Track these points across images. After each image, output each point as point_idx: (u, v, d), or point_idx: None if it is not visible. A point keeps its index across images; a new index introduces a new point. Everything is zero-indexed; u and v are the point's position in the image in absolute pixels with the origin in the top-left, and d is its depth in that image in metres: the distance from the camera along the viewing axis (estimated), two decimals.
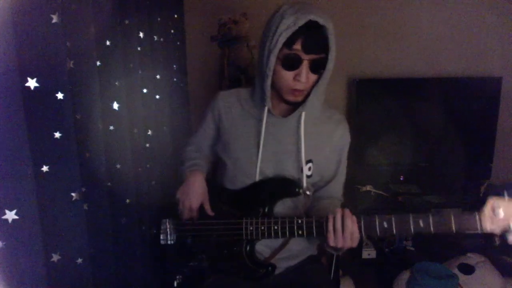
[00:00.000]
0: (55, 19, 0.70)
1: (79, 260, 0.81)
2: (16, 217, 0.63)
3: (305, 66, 1.03)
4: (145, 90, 1.33)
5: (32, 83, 0.67)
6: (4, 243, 0.63)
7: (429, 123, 2.33)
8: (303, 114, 1.13)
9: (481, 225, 0.90)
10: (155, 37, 1.44)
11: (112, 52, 1.01)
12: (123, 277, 1.10)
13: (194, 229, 1.18)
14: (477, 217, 0.91)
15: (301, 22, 0.99)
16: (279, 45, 1.01)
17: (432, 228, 0.93)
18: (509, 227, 0.89)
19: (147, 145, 1.34)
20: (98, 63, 0.95)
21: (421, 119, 2.33)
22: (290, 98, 1.10)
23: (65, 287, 0.79)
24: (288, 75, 1.05)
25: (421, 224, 0.94)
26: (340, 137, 1.21)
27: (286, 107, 1.16)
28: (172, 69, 1.81)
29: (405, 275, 1.87)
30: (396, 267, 2.00)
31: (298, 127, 1.14)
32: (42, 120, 0.71)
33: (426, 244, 2.28)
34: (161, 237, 1.23)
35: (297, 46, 1.01)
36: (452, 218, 0.92)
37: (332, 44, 1.03)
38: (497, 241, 0.92)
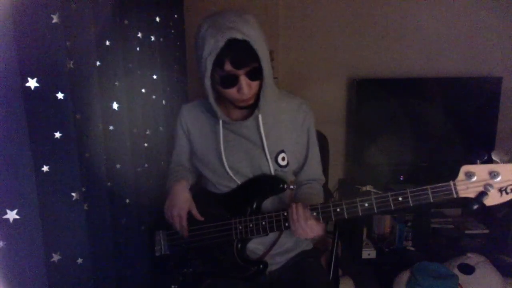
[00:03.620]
0: (55, 19, 0.70)
1: (79, 260, 0.81)
2: (17, 216, 0.63)
3: (243, 79, 1.04)
4: (144, 90, 1.33)
5: (32, 83, 0.67)
6: (4, 242, 0.63)
7: (429, 123, 2.34)
8: (260, 116, 1.15)
9: (456, 191, 0.95)
10: (155, 37, 1.44)
11: (112, 52, 1.01)
12: (123, 277, 1.10)
13: (186, 236, 1.19)
14: (451, 184, 0.95)
15: (221, 43, 0.98)
16: (209, 69, 1.02)
17: (411, 202, 0.97)
18: (483, 190, 0.93)
19: (146, 144, 1.34)
20: (98, 63, 0.95)
21: (421, 119, 2.33)
22: (241, 104, 1.12)
23: (65, 287, 0.79)
24: (230, 91, 1.06)
25: (400, 199, 0.98)
26: (303, 119, 1.23)
27: (242, 111, 1.18)
28: (172, 69, 1.81)
29: (405, 275, 1.87)
30: (396, 267, 2.00)
31: (259, 127, 1.16)
32: (42, 120, 0.71)
33: (426, 244, 2.28)
34: (156, 249, 1.24)
35: (227, 66, 1.01)
36: (429, 190, 0.96)
37: (260, 52, 1.02)
38: (474, 206, 0.96)
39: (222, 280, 1.19)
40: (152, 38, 1.43)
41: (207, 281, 1.20)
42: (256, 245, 1.21)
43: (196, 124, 1.25)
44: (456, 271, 1.85)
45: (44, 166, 0.72)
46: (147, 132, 1.36)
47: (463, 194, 0.95)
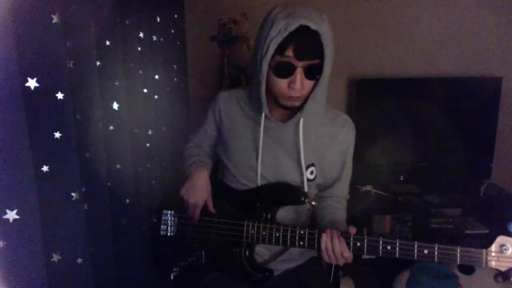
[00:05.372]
0: (55, 19, 0.70)
1: (79, 260, 0.81)
2: (17, 216, 0.63)
3: (299, 73, 0.98)
4: (145, 90, 1.33)
5: (32, 83, 0.67)
6: (4, 242, 0.63)
7: (429, 123, 2.34)
8: (301, 120, 1.09)
9: (486, 261, 0.91)
10: (155, 37, 1.44)
11: (112, 52, 1.01)
12: (123, 277, 1.10)
13: (195, 224, 1.18)
14: (484, 253, 0.91)
15: (292, 27, 0.93)
16: (270, 51, 0.97)
17: (436, 258, 0.93)
18: None
19: (148, 144, 1.34)
20: (98, 63, 0.95)
21: (421, 119, 2.33)
22: (287, 103, 1.06)
23: (65, 287, 0.79)
24: (281, 83, 1.01)
25: (425, 252, 0.94)
26: (344, 139, 1.18)
27: (284, 112, 1.12)
28: (172, 69, 1.80)
29: (405, 275, 1.87)
30: (396, 267, 2.00)
31: (297, 133, 1.11)
32: (42, 120, 0.71)
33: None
34: (161, 228, 1.22)
35: (289, 52, 0.96)
36: (458, 252, 0.91)
37: (327, 49, 0.97)
38: (500, 280, 0.92)
39: (226, 277, 1.18)
40: (154, 38, 1.43)
41: (210, 275, 1.19)
42: (263, 250, 1.19)
43: (231, 115, 1.20)
44: (456, 271, 1.85)
45: (44, 166, 0.72)
46: (149, 132, 1.36)
47: (492, 265, 0.90)
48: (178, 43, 1.99)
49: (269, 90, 1.06)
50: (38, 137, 0.70)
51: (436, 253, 0.93)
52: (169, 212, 1.23)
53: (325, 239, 1.00)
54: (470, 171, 2.35)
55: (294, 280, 1.19)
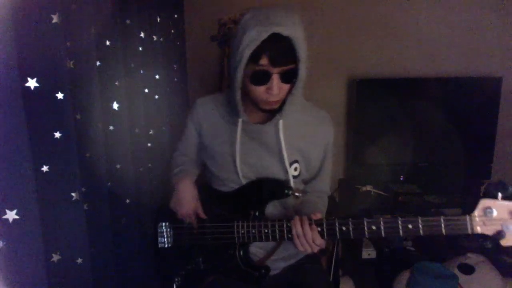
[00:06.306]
0: (55, 19, 0.70)
1: (79, 260, 0.81)
2: (16, 217, 0.63)
3: (275, 79, 0.99)
4: (145, 90, 1.34)
5: (32, 83, 0.67)
6: (4, 243, 0.63)
7: (429, 123, 2.33)
8: (281, 122, 1.11)
9: (472, 228, 0.89)
10: (155, 37, 1.44)
11: (112, 52, 1.01)
12: (123, 277, 1.10)
13: (190, 232, 1.19)
14: (467, 219, 0.90)
15: (264, 35, 0.93)
16: (244, 61, 0.97)
17: (421, 231, 0.93)
18: (502, 229, 0.87)
19: (149, 144, 1.34)
20: (98, 63, 0.95)
21: (421, 119, 2.33)
22: (266, 107, 1.07)
23: (65, 287, 0.79)
24: (259, 89, 1.02)
25: (410, 226, 0.93)
26: (324, 134, 1.21)
27: (263, 114, 1.14)
28: (172, 69, 1.81)
29: (405, 275, 1.87)
30: (396, 267, 2.00)
31: (278, 133, 1.12)
32: (42, 120, 0.71)
33: (426, 244, 2.28)
34: (159, 240, 1.24)
35: (264, 61, 0.96)
36: (442, 221, 0.91)
37: (301, 54, 0.98)
38: (489, 244, 0.90)
39: (225, 279, 1.18)
40: (154, 38, 1.43)
41: (210, 278, 1.20)
42: (257, 249, 1.20)
43: (210, 120, 1.21)
44: (456, 271, 1.85)
45: (44, 166, 0.72)
46: (150, 132, 1.36)
47: (479, 230, 0.89)
48: (178, 43, 1.99)
49: (247, 95, 1.07)
50: (38, 137, 0.70)
51: (420, 226, 0.92)
52: (164, 224, 1.24)
53: (294, 228, 1.01)
54: (470, 171, 2.34)
55: (293, 280, 1.20)
